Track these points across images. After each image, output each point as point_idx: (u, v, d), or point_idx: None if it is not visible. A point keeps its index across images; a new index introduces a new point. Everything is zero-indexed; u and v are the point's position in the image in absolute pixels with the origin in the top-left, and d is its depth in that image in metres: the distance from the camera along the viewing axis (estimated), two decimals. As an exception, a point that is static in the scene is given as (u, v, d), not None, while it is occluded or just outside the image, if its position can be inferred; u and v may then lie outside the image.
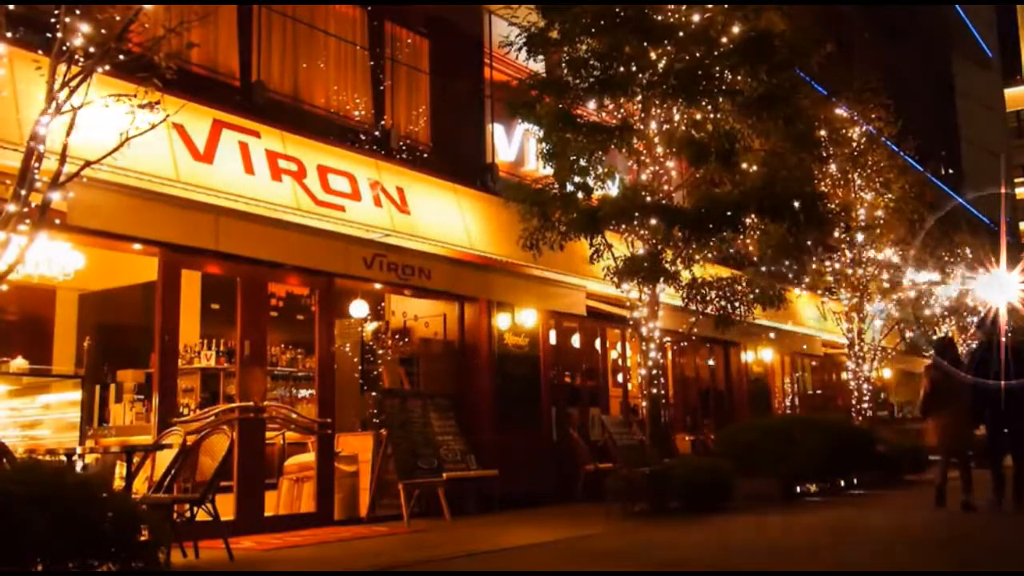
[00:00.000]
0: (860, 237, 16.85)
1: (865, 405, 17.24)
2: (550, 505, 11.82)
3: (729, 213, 10.68)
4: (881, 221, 17.22)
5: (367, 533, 8.99)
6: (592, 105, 11.43)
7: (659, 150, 11.22)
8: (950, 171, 33.89)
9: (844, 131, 16.59)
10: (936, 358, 9.93)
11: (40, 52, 6.53)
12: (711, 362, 17.95)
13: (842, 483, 13.64)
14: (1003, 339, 9.82)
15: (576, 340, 14.37)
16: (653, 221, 10.73)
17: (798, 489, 12.31)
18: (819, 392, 22.23)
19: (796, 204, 10.96)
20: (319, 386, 9.94)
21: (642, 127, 11.17)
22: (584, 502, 11.87)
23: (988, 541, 7.88)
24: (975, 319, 22.75)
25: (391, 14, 11.98)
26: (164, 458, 7.48)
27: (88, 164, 6.02)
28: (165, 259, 8.60)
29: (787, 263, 12.41)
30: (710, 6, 10.98)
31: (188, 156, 8.43)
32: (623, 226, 10.97)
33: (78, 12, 5.84)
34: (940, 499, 9.71)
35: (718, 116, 10.85)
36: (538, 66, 12.00)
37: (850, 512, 10.71)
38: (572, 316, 13.31)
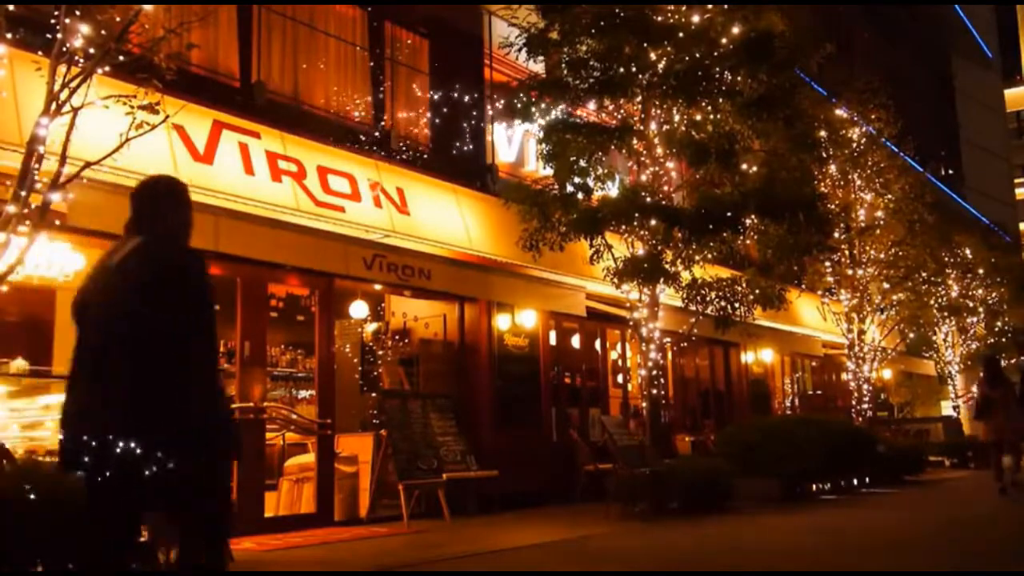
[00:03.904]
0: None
1: (865, 406, 17.25)
2: (550, 505, 11.82)
3: (729, 214, 10.69)
4: (881, 222, 17.23)
5: (367, 534, 8.99)
6: (592, 106, 11.43)
7: (659, 151, 11.22)
8: (950, 171, 33.91)
9: (844, 132, 16.60)
10: (985, 374, 12.48)
11: (40, 53, 6.54)
12: (711, 363, 17.95)
13: (842, 483, 13.64)
14: None
15: (576, 341, 14.37)
16: (653, 222, 10.73)
17: (799, 490, 12.31)
18: (819, 393, 22.23)
19: (795, 205, 10.98)
20: (319, 387, 9.94)
21: (642, 128, 11.18)
22: (584, 502, 11.86)
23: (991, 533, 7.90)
24: (974, 320, 22.83)
25: (391, 15, 11.98)
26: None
27: (88, 165, 6.02)
28: (165, 260, 8.58)
29: (787, 263, 12.40)
30: (710, 7, 10.99)
31: (188, 157, 8.43)
32: (623, 227, 10.97)
33: (78, 13, 5.85)
34: (1002, 491, 11.93)
35: (718, 117, 10.85)
36: (538, 67, 12.00)
37: (851, 512, 10.71)
38: (572, 317, 13.30)
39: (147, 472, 3.05)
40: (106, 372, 3.13)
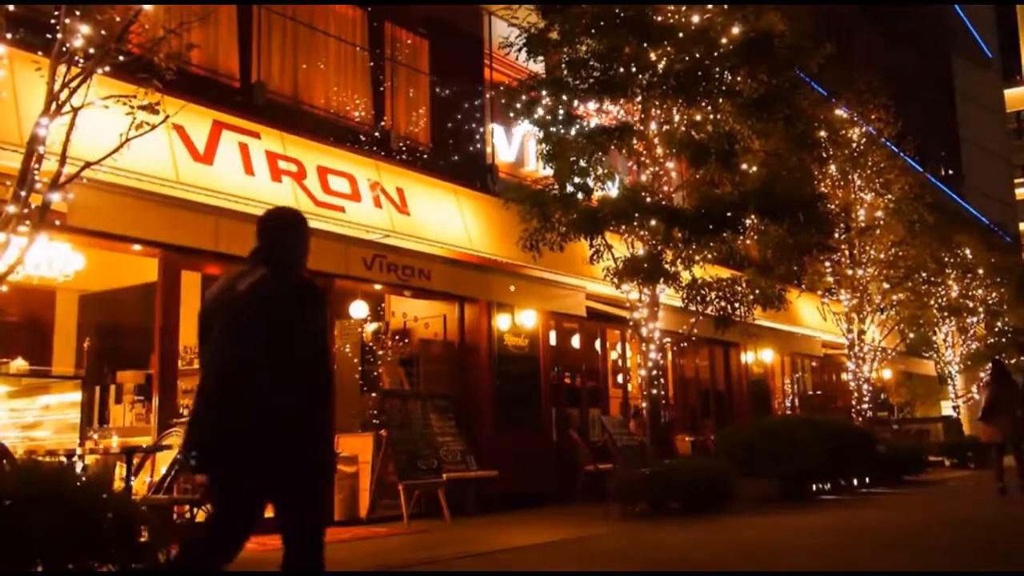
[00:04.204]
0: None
1: (865, 406, 17.24)
2: (550, 505, 11.82)
3: (729, 214, 10.69)
4: (881, 222, 17.22)
5: (367, 534, 8.99)
6: (592, 106, 11.43)
7: (659, 151, 11.21)
8: (950, 171, 33.90)
9: (844, 132, 16.59)
10: (992, 376, 12.87)
11: (40, 53, 6.53)
12: (711, 363, 17.95)
13: (843, 483, 13.64)
14: None
15: (576, 341, 14.37)
16: (653, 222, 10.72)
17: (798, 490, 12.30)
18: (819, 393, 22.23)
19: (795, 205, 10.99)
20: (319, 387, 9.91)
21: (642, 128, 11.17)
22: (584, 502, 11.86)
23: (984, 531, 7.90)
24: (974, 320, 22.83)
25: (391, 15, 11.98)
26: (164, 459, 7.47)
27: (88, 165, 6.02)
28: (165, 260, 8.60)
29: (787, 264, 12.40)
30: (710, 7, 10.98)
31: (188, 157, 8.43)
32: (623, 227, 10.97)
33: (78, 13, 5.84)
34: (1002, 491, 12.13)
35: (718, 117, 10.85)
36: (538, 67, 12.00)
37: (851, 512, 10.72)
38: (572, 317, 13.30)
39: (265, 478, 3.47)
40: (234, 388, 3.47)
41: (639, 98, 10.95)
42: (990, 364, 13.81)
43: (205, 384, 3.57)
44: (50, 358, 10.14)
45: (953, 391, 23.31)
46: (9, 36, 6.17)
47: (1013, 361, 24.56)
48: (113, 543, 4.97)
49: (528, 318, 12.58)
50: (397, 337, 12.63)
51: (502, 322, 12.28)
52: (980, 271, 22.32)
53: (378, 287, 10.84)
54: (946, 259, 20.81)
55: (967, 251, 22.01)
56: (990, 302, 23.02)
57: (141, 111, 6.05)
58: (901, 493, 13.49)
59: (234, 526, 3.59)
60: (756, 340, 15.37)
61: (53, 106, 5.86)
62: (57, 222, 6.85)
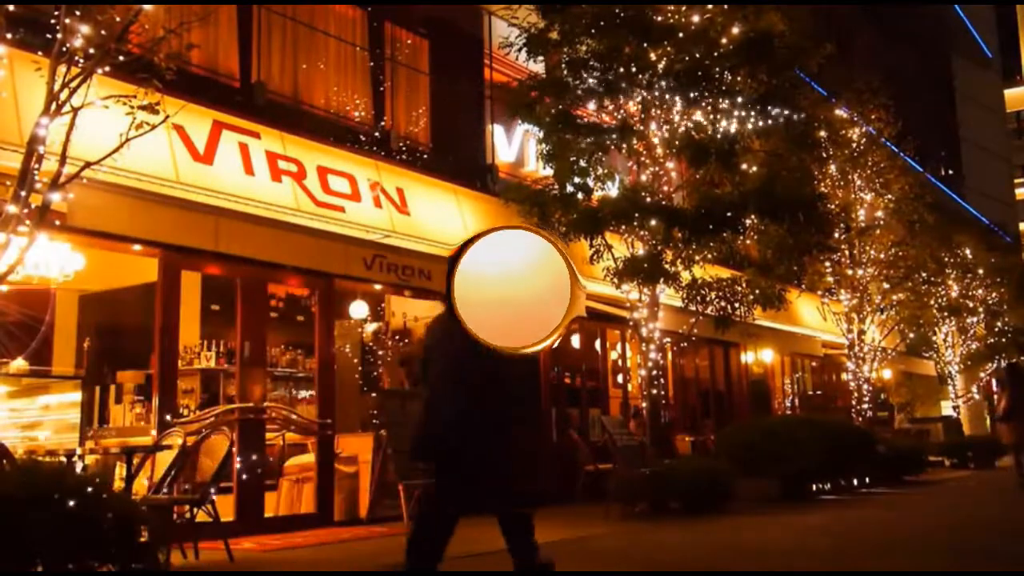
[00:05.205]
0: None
1: (865, 406, 17.24)
2: (550, 505, 11.76)
3: (729, 214, 10.69)
4: (881, 222, 17.22)
5: (367, 534, 8.99)
6: (592, 106, 11.43)
7: (659, 151, 11.21)
8: (950, 171, 33.90)
9: (844, 132, 16.59)
10: (1010, 380, 13.47)
11: (40, 53, 6.53)
12: (711, 363, 17.95)
13: (843, 483, 13.64)
14: None
15: (576, 341, 14.36)
16: (653, 222, 10.72)
17: (798, 490, 12.30)
18: (819, 393, 22.22)
19: (795, 205, 10.99)
20: (319, 387, 9.94)
21: (642, 128, 11.17)
22: (584, 502, 11.85)
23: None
24: (974, 320, 22.84)
25: (391, 15, 11.98)
26: (164, 459, 7.47)
27: (88, 165, 6.01)
28: (165, 260, 8.60)
29: (787, 264, 12.40)
30: (710, 7, 10.98)
31: (188, 157, 8.43)
32: (623, 227, 10.97)
33: (78, 13, 5.84)
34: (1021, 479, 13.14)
35: (718, 117, 10.84)
36: (538, 67, 12.00)
37: (851, 512, 10.71)
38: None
39: (488, 477, 4.46)
40: (465, 396, 4.59)
41: (639, 98, 10.96)
42: (1004, 366, 14.56)
43: (446, 395, 4.63)
44: (50, 358, 10.13)
45: (953, 391, 23.30)
46: (9, 36, 6.16)
47: (1013, 361, 24.56)
48: (113, 543, 4.97)
49: (528, 318, 12.54)
50: (397, 337, 12.62)
51: (502, 322, 12.24)
52: (980, 271, 22.32)
53: (378, 287, 10.83)
54: (946, 259, 20.80)
55: (967, 251, 22.00)
56: (990, 302, 23.01)
57: (141, 111, 6.05)
58: (901, 493, 13.49)
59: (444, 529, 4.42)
60: (756, 340, 15.36)
61: (53, 106, 5.85)
62: (57, 222, 6.84)
